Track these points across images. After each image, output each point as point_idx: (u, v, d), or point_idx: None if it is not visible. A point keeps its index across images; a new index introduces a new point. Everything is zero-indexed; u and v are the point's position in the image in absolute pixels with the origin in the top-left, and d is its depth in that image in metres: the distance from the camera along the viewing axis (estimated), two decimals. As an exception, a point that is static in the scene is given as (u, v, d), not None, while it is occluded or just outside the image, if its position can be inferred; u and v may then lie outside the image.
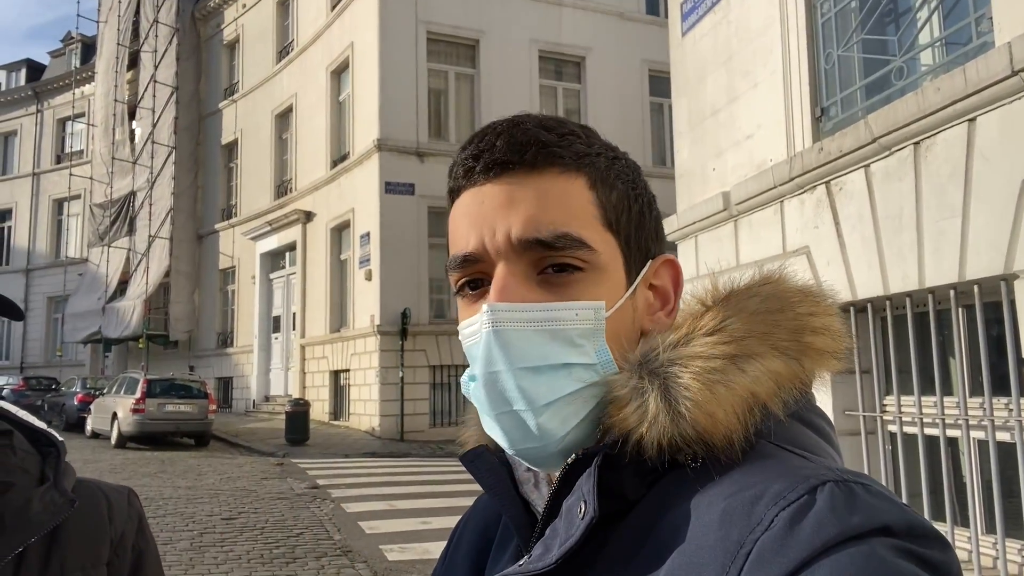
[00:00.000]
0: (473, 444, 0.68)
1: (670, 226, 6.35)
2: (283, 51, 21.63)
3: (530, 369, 0.57)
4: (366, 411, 15.80)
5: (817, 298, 0.61)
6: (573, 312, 0.57)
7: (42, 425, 0.95)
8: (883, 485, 0.50)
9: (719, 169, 5.72)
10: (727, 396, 0.52)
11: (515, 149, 0.59)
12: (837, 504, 0.46)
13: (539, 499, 0.63)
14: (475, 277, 0.61)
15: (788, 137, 4.95)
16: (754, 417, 0.53)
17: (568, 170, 0.60)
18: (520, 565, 0.56)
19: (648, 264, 0.63)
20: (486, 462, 0.66)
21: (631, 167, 0.66)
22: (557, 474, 0.59)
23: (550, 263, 0.58)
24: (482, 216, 0.59)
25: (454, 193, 0.63)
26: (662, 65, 17.51)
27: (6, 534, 0.80)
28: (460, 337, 0.62)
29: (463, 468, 0.67)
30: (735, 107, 5.52)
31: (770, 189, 4.96)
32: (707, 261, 5.77)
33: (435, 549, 6.53)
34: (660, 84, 17.62)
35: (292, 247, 19.99)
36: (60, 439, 0.95)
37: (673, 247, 6.26)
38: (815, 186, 4.64)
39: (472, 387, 0.61)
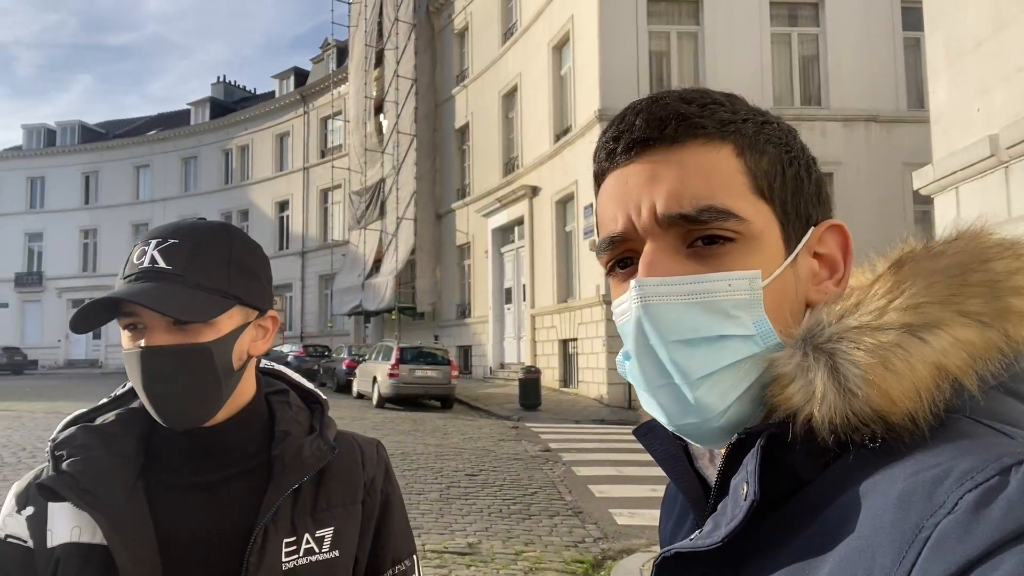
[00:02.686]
0: (648, 417, 0.66)
1: (923, 178, 5.66)
2: (507, 32, 22.43)
3: (683, 342, 0.56)
4: (594, 379, 16.14)
5: (1022, 252, 0.53)
6: (726, 283, 0.55)
7: (310, 385, 1.12)
8: None
9: (985, 109, 4.96)
10: (905, 371, 0.48)
11: (654, 125, 0.58)
12: None
13: (714, 474, 0.62)
14: (624, 256, 0.60)
15: (1078, 63, 4.15)
16: (943, 392, 0.48)
17: (712, 140, 0.57)
18: (691, 540, 0.57)
19: (811, 231, 0.59)
20: (659, 435, 0.66)
21: (783, 130, 0.61)
22: (722, 451, 0.58)
23: (698, 236, 0.56)
24: (627, 195, 0.59)
25: (599, 177, 0.63)
26: (915, -5, 15.51)
27: (286, 473, 0.96)
28: (614, 317, 0.62)
29: None
30: (1004, 36, 4.73)
31: (1053, 127, 4.21)
32: (970, 216, 5.06)
33: (664, 517, 6.54)
34: (916, 16, 15.49)
35: (520, 221, 20.85)
36: (324, 397, 1.11)
37: (927, 202, 5.55)
38: (1116, 119, 3.85)
39: (627, 365, 0.61)
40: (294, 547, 0.94)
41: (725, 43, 15.94)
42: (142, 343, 0.89)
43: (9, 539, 0.92)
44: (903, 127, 15.80)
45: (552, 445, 10.51)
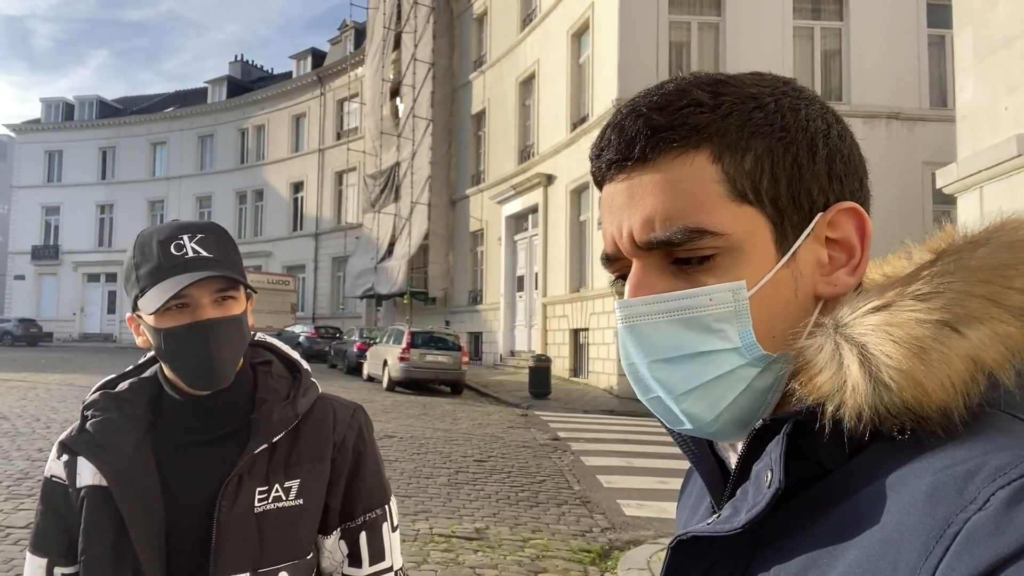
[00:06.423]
0: None
1: (947, 177, 5.60)
2: (526, 19, 22.29)
3: (663, 360, 0.57)
4: (604, 370, 16.14)
5: None
6: (707, 297, 0.55)
7: (294, 354, 1.30)
8: None
9: (1013, 108, 4.88)
10: (939, 363, 0.47)
11: (625, 144, 0.57)
12: None
13: (734, 457, 0.62)
14: (622, 271, 0.61)
15: (1112, 64, 4.07)
16: (978, 386, 0.47)
17: (685, 151, 0.55)
18: (708, 524, 0.57)
19: (816, 219, 0.56)
20: None
21: (782, 109, 0.57)
22: (743, 439, 0.58)
23: (677, 256, 0.56)
24: (612, 215, 0.59)
25: (598, 185, 0.62)
26: (944, -10, 15.25)
27: (256, 436, 1.14)
28: None
29: None
30: (1038, 33, 4.65)
31: (1084, 129, 4.14)
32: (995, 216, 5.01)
33: (672, 509, 6.54)
34: (941, 14, 15.28)
35: (534, 209, 20.81)
36: (306, 366, 1.28)
37: (952, 201, 5.49)
38: None
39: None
40: (265, 495, 1.13)
41: (747, 35, 15.79)
42: (193, 318, 1.08)
43: (54, 479, 1.17)
44: (925, 125, 15.63)
45: (561, 434, 10.54)
